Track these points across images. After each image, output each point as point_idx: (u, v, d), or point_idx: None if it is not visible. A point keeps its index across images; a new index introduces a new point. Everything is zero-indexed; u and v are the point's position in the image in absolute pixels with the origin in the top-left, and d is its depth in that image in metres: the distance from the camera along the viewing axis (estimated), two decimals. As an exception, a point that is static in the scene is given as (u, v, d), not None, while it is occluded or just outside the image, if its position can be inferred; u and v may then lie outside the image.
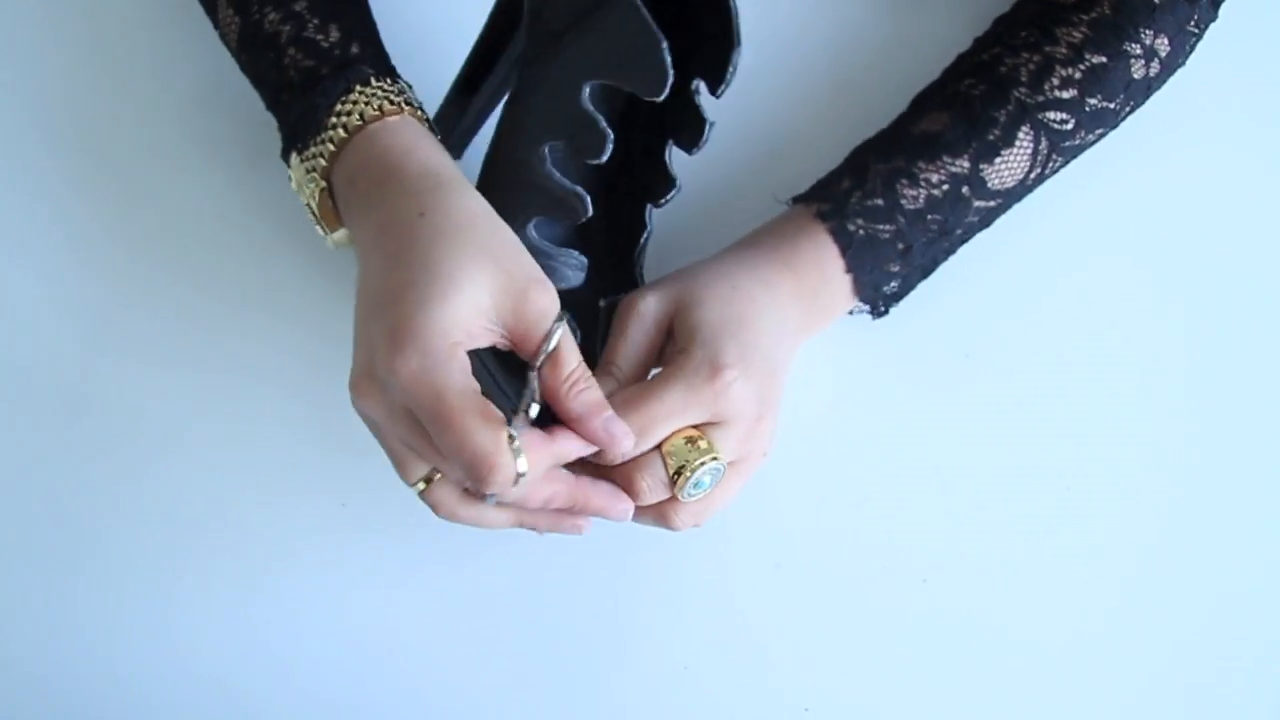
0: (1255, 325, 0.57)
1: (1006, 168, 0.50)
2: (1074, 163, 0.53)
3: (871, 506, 0.56)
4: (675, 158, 0.50)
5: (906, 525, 0.55)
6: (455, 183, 0.45)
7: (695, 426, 0.46)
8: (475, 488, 0.41)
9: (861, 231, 0.49)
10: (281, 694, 0.56)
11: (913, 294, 0.54)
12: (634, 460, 0.45)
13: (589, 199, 0.47)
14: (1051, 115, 0.50)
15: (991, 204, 0.51)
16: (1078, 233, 0.57)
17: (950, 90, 0.52)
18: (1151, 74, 0.51)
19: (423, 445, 0.42)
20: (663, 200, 0.50)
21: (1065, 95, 0.50)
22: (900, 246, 0.50)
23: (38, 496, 0.57)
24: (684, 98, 0.48)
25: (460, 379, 0.40)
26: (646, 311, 0.48)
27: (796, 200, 0.52)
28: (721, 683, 0.55)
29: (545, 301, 0.42)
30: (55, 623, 0.56)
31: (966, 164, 0.50)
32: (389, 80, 0.49)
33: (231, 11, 0.51)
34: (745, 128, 0.58)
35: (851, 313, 0.53)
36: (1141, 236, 0.57)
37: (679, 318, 0.48)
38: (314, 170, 0.47)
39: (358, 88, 0.47)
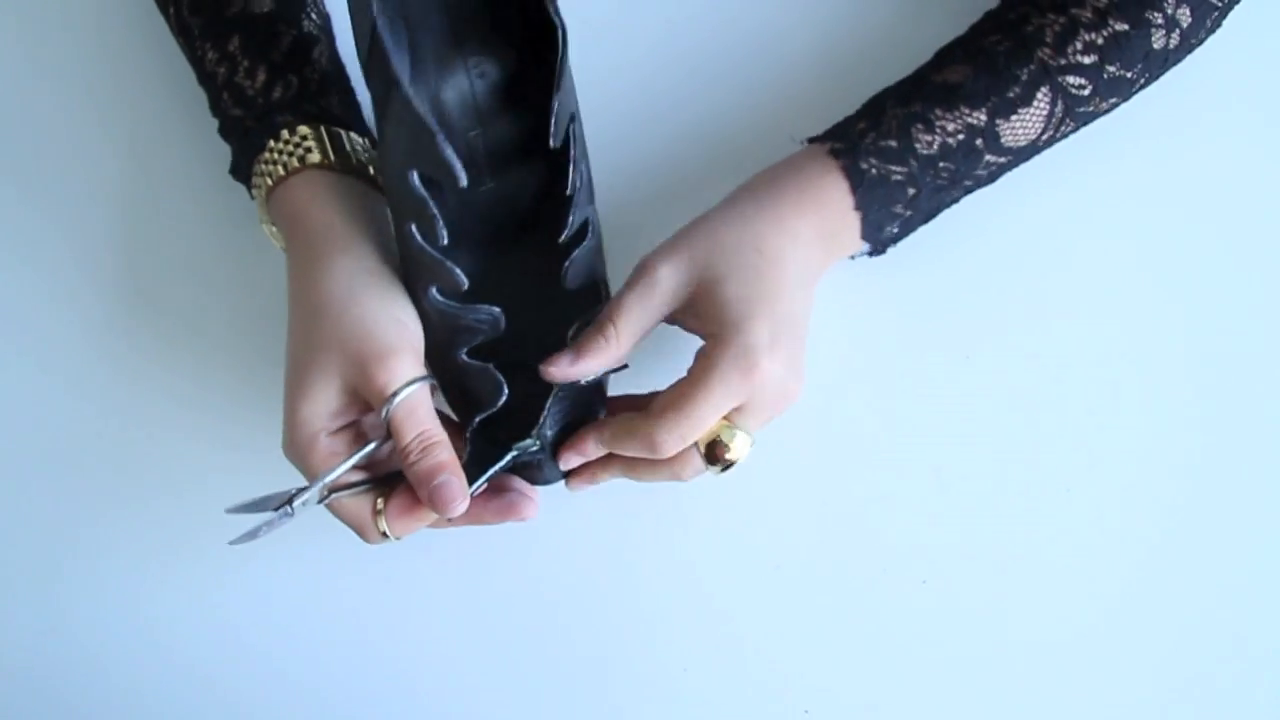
0: (1256, 328, 0.56)
1: (1022, 126, 0.51)
2: (1077, 164, 0.53)
3: (871, 508, 0.56)
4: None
5: (906, 527, 0.55)
6: (324, 254, 0.48)
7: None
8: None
9: (874, 171, 0.50)
10: (280, 691, 0.56)
11: (914, 296, 0.54)
12: (676, 459, 0.49)
13: (458, 273, 0.46)
14: (1071, 79, 0.50)
15: (1002, 160, 0.52)
16: (1079, 236, 0.57)
17: (975, 45, 0.52)
18: (1170, 45, 0.51)
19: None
20: (563, 239, 0.48)
21: (1086, 60, 0.50)
22: (910, 191, 0.50)
23: (35, 493, 0.57)
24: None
25: (320, 461, 0.47)
26: (662, 280, 0.48)
27: (812, 140, 0.52)
28: (721, 684, 0.55)
29: (384, 377, 0.46)
30: (54, 623, 0.56)
31: (983, 117, 0.50)
32: (304, 124, 0.51)
33: (182, 40, 0.55)
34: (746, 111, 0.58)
35: (853, 257, 0.52)
36: (1144, 240, 0.57)
37: (704, 293, 0.48)
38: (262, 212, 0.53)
39: (270, 143, 0.51)
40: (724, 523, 0.56)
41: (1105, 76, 0.51)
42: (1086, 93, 0.51)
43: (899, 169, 0.50)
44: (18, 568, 0.57)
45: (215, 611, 0.57)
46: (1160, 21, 0.50)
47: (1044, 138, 0.52)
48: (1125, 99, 0.53)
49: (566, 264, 0.48)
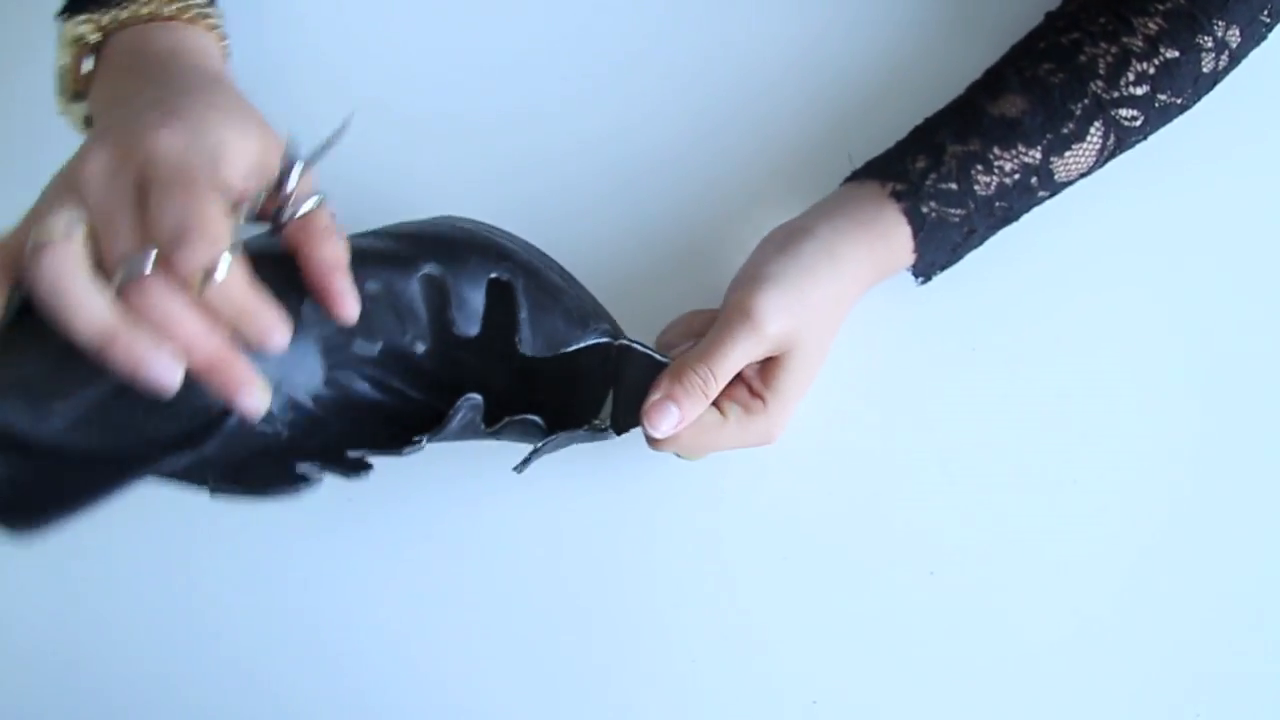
0: (1261, 319, 0.57)
1: (1075, 161, 0.51)
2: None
3: (878, 499, 0.56)
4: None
5: (913, 518, 0.55)
6: (211, 71, 0.46)
7: None
8: (172, 249, 0.36)
9: (934, 214, 0.50)
10: (287, 681, 0.56)
11: (919, 288, 0.54)
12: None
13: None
14: (1124, 112, 0.50)
15: (1050, 195, 0.52)
16: (1084, 226, 0.57)
17: (1028, 73, 0.51)
18: (1220, 67, 0.51)
19: (126, 213, 0.38)
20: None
21: (1139, 92, 0.50)
22: (966, 230, 0.51)
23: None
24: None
25: (223, 173, 0.39)
26: (770, 334, 0.48)
27: (869, 171, 0.52)
28: (728, 676, 0.55)
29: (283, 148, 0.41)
30: (67, 616, 0.56)
31: (1039, 155, 0.50)
32: None
33: None
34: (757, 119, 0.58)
35: None
36: (1148, 231, 0.57)
37: (781, 362, 0.49)
38: (87, 31, 0.47)
39: None
40: (731, 514, 0.56)
41: (1156, 105, 0.51)
42: (1138, 124, 0.51)
43: (958, 211, 0.50)
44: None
45: (214, 604, 0.56)
46: (1210, 45, 0.50)
47: (1093, 169, 0.52)
48: (1168, 123, 0.53)
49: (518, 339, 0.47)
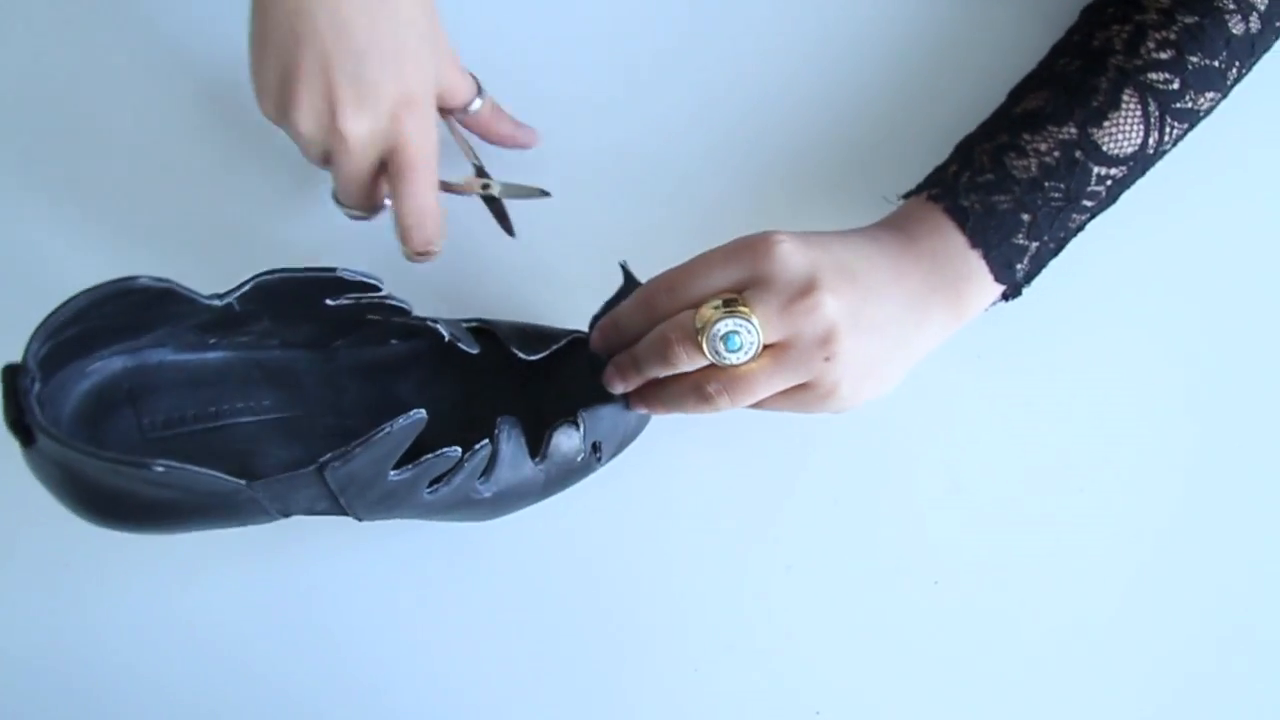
0: (1267, 323, 0.56)
1: (1120, 132, 0.49)
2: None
3: (883, 508, 0.55)
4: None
5: (918, 527, 0.55)
6: None
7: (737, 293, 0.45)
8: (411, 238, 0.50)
9: (977, 206, 0.49)
10: (291, 678, 0.56)
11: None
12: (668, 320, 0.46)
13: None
14: (1154, 76, 0.49)
15: (1115, 172, 0.50)
16: (1088, 230, 0.56)
17: (1046, 73, 0.51)
18: (1253, 30, 0.50)
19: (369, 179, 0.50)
20: None
21: (1164, 56, 0.49)
22: (1025, 217, 0.49)
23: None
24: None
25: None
26: (768, 261, 0.45)
27: (910, 193, 0.52)
28: (732, 685, 0.55)
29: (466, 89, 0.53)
30: (59, 618, 0.56)
31: (1074, 130, 0.49)
32: None
33: None
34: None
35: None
36: (1153, 236, 0.57)
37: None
38: None
39: None
40: (736, 522, 0.56)
41: (1190, 68, 0.49)
42: (1175, 87, 0.49)
43: (1003, 198, 0.48)
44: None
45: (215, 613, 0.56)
46: (1232, 7, 0.49)
47: (1151, 140, 0.50)
48: (1223, 93, 0.51)
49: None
